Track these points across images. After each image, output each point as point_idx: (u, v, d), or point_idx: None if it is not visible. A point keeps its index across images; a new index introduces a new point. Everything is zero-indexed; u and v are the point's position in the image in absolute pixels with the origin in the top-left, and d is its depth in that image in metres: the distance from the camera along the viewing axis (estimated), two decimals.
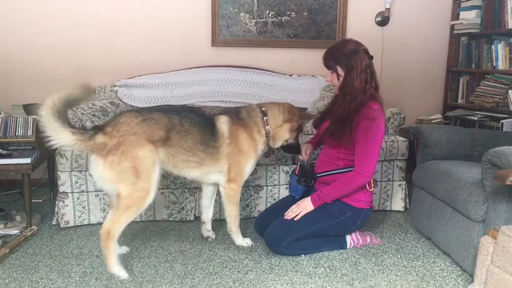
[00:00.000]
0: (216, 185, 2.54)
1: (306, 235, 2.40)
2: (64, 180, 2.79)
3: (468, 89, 3.94)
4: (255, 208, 3.04)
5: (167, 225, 2.91)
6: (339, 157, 2.42)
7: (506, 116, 3.40)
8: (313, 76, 3.77)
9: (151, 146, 2.17)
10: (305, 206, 2.41)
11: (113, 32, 3.63)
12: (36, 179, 3.54)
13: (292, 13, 3.80)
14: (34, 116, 2.99)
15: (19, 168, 2.70)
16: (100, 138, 2.08)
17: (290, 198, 2.60)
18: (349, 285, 2.16)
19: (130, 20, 3.64)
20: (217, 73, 3.63)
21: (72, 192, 2.82)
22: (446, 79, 4.19)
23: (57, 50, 3.58)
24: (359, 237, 2.56)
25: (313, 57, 3.64)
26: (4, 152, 2.77)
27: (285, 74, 3.77)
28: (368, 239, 2.59)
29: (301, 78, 3.75)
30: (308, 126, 3.27)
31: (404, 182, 3.17)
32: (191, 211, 2.96)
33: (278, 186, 3.04)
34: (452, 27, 4.04)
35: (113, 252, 2.14)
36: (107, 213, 2.59)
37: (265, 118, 2.46)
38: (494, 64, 3.60)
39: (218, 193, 2.55)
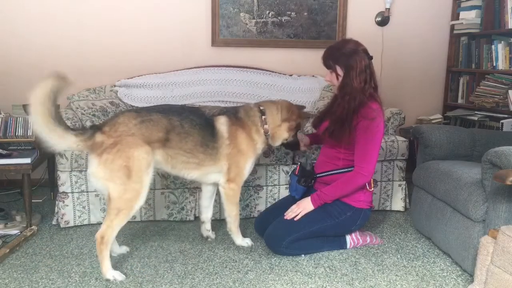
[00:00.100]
0: (216, 185, 2.54)
1: (306, 235, 2.40)
2: (64, 180, 2.79)
3: (468, 89, 3.94)
4: (255, 208, 3.04)
5: (167, 225, 2.90)
6: (339, 157, 2.42)
7: (506, 116, 3.40)
8: (313, 76, 3.77)
9: (148, 147, 2.17)
10: (305, 206, 2.41)
11: (113, 32, 3.63)
12: (36, 179, 3.54)
13: (292, 13, 3.80)
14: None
15: (19, 168, 2.70)
16: (98, 137, 2.10)
17: (290, 198, 2.60)
18: (349, 285, 2.16)
19: (130, 20, 3.64)
20: (217, 73, 3.63)
21: (72, 192, 2.82)
22: (446, 79, 4.19)
23: (57, 50, 3.58)
24: (359, 237, 2.56)
25: (313, 57, 3.63)
26: (4, 152, 2.77)
27: (285, 74, 3.76)
28: (368, 239, 2.59)
29: (301, 78, 3.74)
30: (308, 126, 3.27)
31: (404, 182, 3.17)
32: (191, 211, 2.96)
33: (278, 186, 3.04)
34: (452, 27, 4.04)
35: (107, 257, 2.15)
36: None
37: (263, 117, 2.45)
38: (494, 64, 3.60)
39: (218, 193, 2.55)
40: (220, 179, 2.44)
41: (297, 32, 3.84)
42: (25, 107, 3.19)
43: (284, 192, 3.01)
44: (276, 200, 2.98)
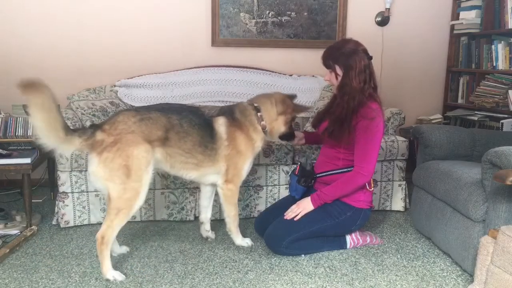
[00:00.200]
0: (215, 185, 2.54)
1: (306, 235, 2.40)
2: (64, 180, 2.79)
3: (468, 89, 3.94)
4: (255, 208, 3.04)
5: (167, 225, 2.90)
6: (339, 157, 2.42)
7: (506, 116, 3.40)
8: (313, 76, 3.76)
9: (148, 146, 2.17)
10: (305, 206, 2.41)
11: (113, 32, 3.63)
12: (36, 179, 3.54)
13: (292, 13, 3.80)
14: None
15: (19, 168, 2.70)
16: (98, 136, 2.10)
17: (290, 198, 2.60)
18: (349, 285, 2.16)
19: (130, 20, 3.64)
20: (217, 73, 3.63)
21: (72, 192, 2.82)
22: (446, 79, 4.19)
23: (57, 50, 3.58)
24: (359, 237, 2.56)
25: (313, 57, 3.63)
26: (4, 152, 2.77)
27: (285, 74, 3.76)
28: (368, 239, 2.59)
29: (301, 78, 3.74)
30: (308, 126, 3.27)
31: (404, 182, 3.17)
32: (191, 211, 2.96)
33: (278, 186, 3.04)
34: (452, 27, 4.04)
35: (107, 257, 2.15)
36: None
37: (259, 114, 2.44)
38: (494, 64, 3.60)
39: (217, 194, 2.54)
40: (218, 180, 2.44)
41: (297, 32, 3.84)
42: (25, 107, 3.19)
43: (284, 192, 3.01)
44: (276, 200, 2.98)
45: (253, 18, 3.77)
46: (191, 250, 2.52)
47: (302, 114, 3.61)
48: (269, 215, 2.60)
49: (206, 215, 2.67)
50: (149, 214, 2.93)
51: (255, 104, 2.47)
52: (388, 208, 3.18)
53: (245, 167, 2.44)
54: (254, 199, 3.03)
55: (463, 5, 3.90)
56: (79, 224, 2.86)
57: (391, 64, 4.02)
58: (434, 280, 2.21)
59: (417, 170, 2.77)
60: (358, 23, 3.90)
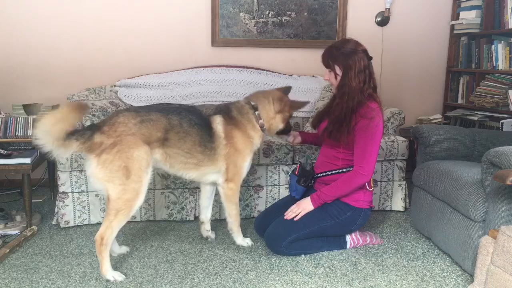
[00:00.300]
0: (215, 184, 2.54)
1: (306, 235, 2.40)
2: (64, 180, 2.79)
3: (468, 89, 3.94)
4: (255, 208, 3.04)
5: (167, 225, 2.91)
6: (338, 157, 2.42)
7: (506, 116, 3.41)
8: (313, 76, 3.77)
9: (147, 147, 2.16)
10: (305, 206, 2.41)
11: (113, 32, 3.63)
12: (36, 179, 3.55)
13: (292, 13, 3.80)
14: (34, 116, 2.99)
15: (19, 168, 2.70)
16: (97, 138, 2.09)
17: (290, 198, 2.60)
18: (349, 285, 2.16)
19: (130, 20, 3.64)
20: (217, 73, 3.63)
21: (72, 192, 2.82)
22: (446, 79, 4.19)
23: (57, 50, 3.58)
24: (359, 237, 2.56)
25: (313, 57, 3.64)
26: (4, 152, 2.77)
27: (285, 74, 3.77)
28: (368, 239, 2.59)
29: (301, 78, 3.75)
30: (308, 126, 3.27)
31: (404, 182, 3.17)
32: (191, 211, 2.96)
33: (278, 186, 3.04)
34: (452, 27, 4.04)
35: (107, 258, 2.15)
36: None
37: (256, 112, 2.44)
38: (494, 64, 3.60)
39: (218, 193, 2.54)
40: (218, 179, 2.44)
41: (297, 32, 3.84)
42: (25, 107, 3.19)
43: (284, 192, 3.01)
44: (276, 200, 2.98)
45: (253, 18, 3.77)
46: (191, 250, 2.52)
47: (302, 114, 3.64)
48: (269, 215, 2.60)
49: (206, 215, 2.67)
50: (149, 214, 2.93)
51: (252, 103, 2.47)
52: (388, 208, 3.18)
53: (245, 165, 2.44)
54: (254, 199, 3.03)
55: (463, 5, 3.90)
56: (79, 224, 2.86)
57: (391, 64, 4.02)
58: (434, 280, 2.21)
59: (417, 170, 2.77)
60: (358, 23, 3.90)
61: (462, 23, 3.86)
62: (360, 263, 2.38)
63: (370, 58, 2.35)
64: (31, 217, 2.78)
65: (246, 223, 2.87)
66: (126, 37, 3.65)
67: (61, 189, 2.80)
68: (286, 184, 3.01)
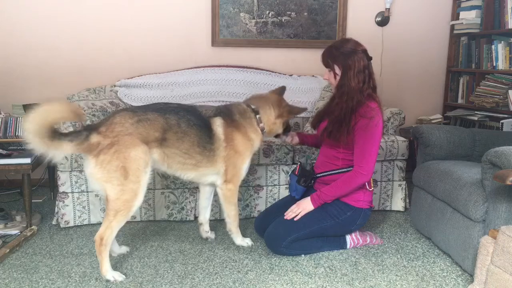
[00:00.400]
0: (213, 185, 2.54)
1: (306, 235, 2.40)
2: (64, 180, 2.79)
3: (468, 89, 3.94)
4: (255, 208, 3.04)
5: (167, 225, 2.91)
6: (338, 157, 2.42)
7: (506, 116, 3.41)
8: (313, 76, 3.77)
9: (145, 147, 2.16)
10: (305, 206, 2.41)
11: (113, 32, 3.63)
12: (36, 179, 3.55)
13: (292, 13, 3.80)
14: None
15: (19, 168, 2.70)
16: (94, 138, 2.08)
17: (290, 198, 2.60)
18: (349, 285, 2.16)
19: (130, 20, 3.64)
20: (217, 73, 3.63)
21: (72, 192, 2.82)
22: (446, 79, 4.19)
23: (57, 50, 3.58)
24: (359, 237, 2.56)
25: (313, 57, 3.64)
26: (4, 152, 2.77)
27: (285, 74, 3.76)
28: (368, 239, 2.59)
29: (301, 78, 3.75)
30: (307, 126, 3.27)
31: (404, 182, 3.17)
32: (191, 211, 2.96)
33: (278, 186, 3.04)
34: (452, 27, 4.04)
35: (107, 258, 2.15)
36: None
37: (257, 116, 2.45)
38: (494, 64, 3.60)
39: (217, 194, 2.54)
40: (217, 180, 2.44)
41: (297, 32, 3.84)
42: (25, 107, 3.19)
43: (284, 192, 3.01)
44: (276, 200, 2.98)
45: (253, 18, 3.77)
46: (191, 250, 2.52)
47: (302, 114, 3.62)
48: (269, 215, 2.60)
49: (205, 216, 2.67)
50: (149, 214, 2.93)
51: (253, 106, 2.48)
52: (388, 208, 3.18)
53: (244, 166, 2.44)
54: (254, 199, 3.03)
55: (463, 5, 3.90)
56: (79, 224, 2.86)
57: (391, 64, 4.02)
58: (434, 280, 2.21)
59: (417, 170, 2.77)
60: (358, 23, 3.90)
61: (462, 23, 3.86)
62: (360, 263, 2.38)
63: (369, 58, 2.35)
64: (31, 217, 2.78)
65: (246, 223, 2.87)
66: (126, 37, 3.65)
67: (61, 189, 2.80)
68: (286, 184, 3.01)
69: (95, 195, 2.84)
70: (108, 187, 2.10)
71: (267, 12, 3.77)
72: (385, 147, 3.03)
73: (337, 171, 2.43)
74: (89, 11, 3.57)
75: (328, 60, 2.36)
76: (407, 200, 3.19)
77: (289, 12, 3.80)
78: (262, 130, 2.47)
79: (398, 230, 2.84)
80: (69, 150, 2.04)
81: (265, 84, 3.63)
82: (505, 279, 1.74)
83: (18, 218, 2.87)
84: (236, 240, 2.57)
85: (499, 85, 3.53)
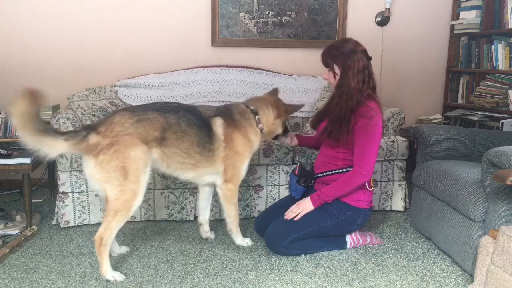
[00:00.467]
0: (212, 185, 2.54)
1: (306, 235, 2.40)
2: (64, 180, 2.79)
3: (468, 89, 3.94)
4: (255, 208, 3.04)
5: (167, 225, 2.91)
6: (338, 157, 2.42)
7: (506, 116, 3.40)
8: (313, 76, 3.77)
9: (145, 147, 2.15)
10: (305, 206, 2.41)
11: (113, 32, 3.63)
12: (36, 179, 3.55)
13: (292, 13, 3.80)
14: None
15: (19, 168, 2.70)
16: (93, 139, 2.07)
17: (290, 198, 2.60)
18: (349, 285, 2.16)
19: (130, 20, 3.64)
20: (217, 73, 3.63)
21: (72, 192, 2.82)
22: (446, 79, 4.19)
23: (57, 50, 3.58)
24: (359, 237, 2.56)
25: (313, 57, 3.63)
26: (4, 152, 2.77)
27: (285, 74, 3.76)
28: (368, 239, 2.59)
29: (301, 78, 3.75)
30: (307, 126, 3.27)
31: (404, 182, 3.17)
32: (191, 211, 2.96)
33: (278, 186, 3.04)
34: (452, 27, 4.04)
35: (106, 258, 2.15)
36: None
37: (256, 117, 2.46)
38: (494, 64, 3.60)
39: (217, 194, 2.54)
40: (216, 180, 2.44)
41: (297, 32, 3.84)
42: None
43: (284, 192, 3.01)
44: (276, 200, 2.98)
45: (253, 18, 3.77)
46: (191, 250, 2.52)
47: (302, 114, 3.64)
48: (269, 215, 2.60)
49: (204, 216, 2.67)
50: (149, 214, 2.93)
51: (252, 107, 2.49)
52: (388, 208, 3.18)
53: (244, 166, 2.45)
54: (254, 199, 3.03)
55: (463, 5, 3.90)
56: (79, 224, 2.86)
57: (391, 64, 4.02)
58: (434, 280, 2.21)
59: (417, 170, 2.77)
60: (358, 23, 3.90)
61: (462, 23, 3.86)
62: (360, 263, 2.38)
63: (369, 58, 2.35)
64: (31, 217, 2.78)
65: (246, 223, 2.87)
66: (126, 37, 3.65)
67: (61, 189, 2.80)
68: (286, 184, 3.01)
69: (95, 195, 2.84)
70: (108, 187, 2.10)
71: (267, 12, 3.77)
72: (385, 147, 3.03)
73: (337, 171, 2.43)
74: (89, 11, 3.57)
75: (327, 60, 2.37)
76: (407, 200, 3.19)
77: (289, 12, 3.80)
78: (261, 130, 2.47)
79: (398, 230, 2.84)
80: (64, 149, 2.02)
81: (265, 84, 3.63)
82: (505, 279, 1.74)
83: (18, 218, 2.87)
84: (236, 240, 2.57)
85: (499, 85, 3.53)
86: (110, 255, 2.22)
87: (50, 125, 2.00)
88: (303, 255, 2.44)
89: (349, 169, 2.37)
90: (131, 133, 2.13)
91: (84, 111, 3.10)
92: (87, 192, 2.84)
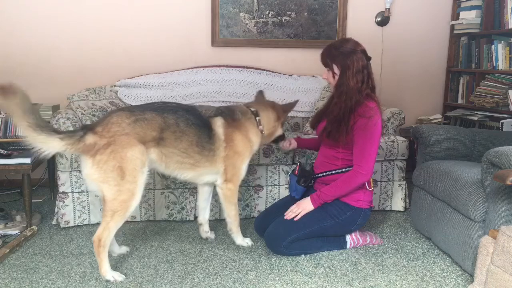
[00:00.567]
0: (212, 185, 2.54)
1: (306, 235, 2.40)
2: (64, 180, 2.79)
3: (468, 89, 3.94)
4: (255, 208, 3.04)
5: (167, 225, 2.91)
6: (338, 157, 2.42)
7: (506, 116, 3.40)
8: (313, 76, 3.77)
9: (142, 147, 2.15)
10: (305, 206, 2.41)
11: (113, 32, 3.63)
12: (36, 179, 3.55)
13: (292, 13, 3.80)
14: None
15: (19, 168, 2.70)
16: (90, 139, 2.06)
17: (290, 198, 2.60)
18: (349, 285, 2.16)
19: (130, 20, 3.64)
20: (217, 73, 3.63)
21: (72, 192, 2.82)
22: (446, 79, 4.19)
23: (57, 50, 3.58)
24: (359, 237, 2.56)
25: (313, 57, 3.62)
26: (4, 152, 2.77)
27: (285, 74, 3.76)
28: (368, 239, 2.59)
29: (301, 78, 3.75)
30: (307, 126, 3.27)
31: (404, 182, 3.17)
32: (191, 211, 2.96)
33: (278, 186, 3.04)
34: (452, 27, 4.04)
35: (106, 259, 2.14)
36: None
37: (257, 118, 2.47)
38: (494, 64, 3.60)
39: (217, 194, 2.54)
40: (217, 180, 2.44)
41: (297, 32, 3.84)
42: None
43: (284, 192, 3.01)
44: (276, 200, 2.98)
45: (253, 18, 3.77)
46: (191, 250, 2.52)
47: (302, 114, 3.64)
48: (269, 215, 2.60)
49: (204, 216, 2.67)
50: (149, 214, 2.93)
51: (252, 109, 2.50)
52: (388, 208, 3.18)
53: (244, 166, 2.45)
54: (254, 199, 3.03)
55: (463, 5, 3.90)
56: (79, 224, 2.86)
57: (391, 64, 4.02)
58: (434, 280, 2.21)
59: (417, 170, 2.77)
60: (358, 23, 3.90)
61: (462, 23, 3.86)
62: (360, 263, 2.38)
63: (369, 59, 2.35)
64: (31, 217, 2.78)
65: (246, 223, 2.87)
66: (126, 37, 3.65)
67: (61, 189, 2.80)
68: (286, 184, 3.01)
69: (95, 195, 2.84)
70: (105, 187, 2.09)
71: (267, 12, 3.77)
72: (385, 147, 3.03)
73: (336, 171, 2.43)
74: (89, 11, 3.57)
75: (327, 60, 2.37)
76: (407, 200, 3.19)
77: (289, 12, 3.80)
78: (261, 132, 2.48)
79: (398, 230, 2.84)
80: (60, 148, 2.02)
81: (265, 84, 3.63)
82: (505, 279, 1.74)
83: (18, 218, 2.87)
84: (236, 240, 2.57)
85: (499, 85, 3.53)
86: (110, 255, 2.22)
87: (50, 123, 2.00)
88: (303, 255, 2.44)
89: (348, 169, 2.37)
90: (128, 133, 2.12)
91: (84, 111, 3.10)
92: (87, 192, 2.84)
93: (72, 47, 3.59)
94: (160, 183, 2.90)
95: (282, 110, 2.59)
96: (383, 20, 3.93)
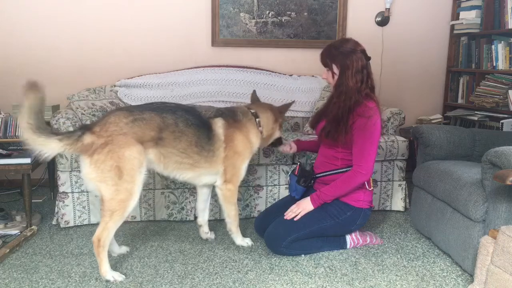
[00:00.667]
0: (210, 186, 2.54)
1: (306, 235, 2.40)
2: (64, 180, 2.79)
3: (468, 89, 3.94)
4: (255, 208, 3.04)
5: (167, 225, 2.91)
6: (337, 157, 2.42)
7: (506, 116, 3.40)
8: (313, 76, 3.77)
9: (140, 147, 2.14)
10: (305, 206, 2.41)
11: (113, 32, 3.63)
12: (36, 179, 3.55)
13: (292, 13, 3.80)
14: None
15: (19, 168, 2.70)
16: (87, 139, 2.07)
17: (290, 198, 2.60)
18: (349, 285, 2.16)
19: (130, 20, 3.64)
20: (217, 73, 3.63)
21: (72, 192, 2.82)
22: (446, 79, 4.19)
23: (57, 50, 3.58)
24: (359, 237, 2.56)
25: (313, 57, 3.62)
26: (4, 152, 2.77)
27: (285, 74, 3.76)
28: (368, 239, 2.59)
29: (301, 78, 3.75)
30: (307, 126, 3.26)
31: (404, 182, 3.17)
32: (191, 211, 2.96)
33: (278, 186, 3.04)
34: (452, 27, 4.04)
35: (105, 259, 2.14)
36: None
37: (257, 119, 2.48)
38: (494, 64, 3.60)
39: (216, 194, 2.54)
40: (216, 181, 2.44)
41: (297, 32, 3.84)
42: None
43: (284, 192, 3.01)
44: (276, 200, 2.98)
45: (253, 18, 3.77)
46: (191, 250, 2.52)
47: (302, 114, 3.64)
48: (269, 215, 2.60)
49: (203, 218, 2.67)
50: (149, 214, 2.93)
51: (252, 110, 2.51)
52: (388, 208, 3.18)
53: (243, 167, 2.45)
54: (254, 199, 3.03)
55: (463, 5, 3.90)
56: (79, 224, 2.86)
57: (391, 64, 4.02)
58: (434, 280, 2.21)
59: (417, 170, 2.77)
60: (358, 23, 3.90)
61: (462, 23, 3.86)
62: (360, 263, 2.38)
63: (368, 59, 2.35)
64: (31, 217, 2.78)
65: (246, 223, 2.87)
66: (126, 37, 3.65)
67: (61, 189, 2.80)
68: (286, 184, 3.01)
69: (95, 195, 2.83)
70: (103, 187, 2.09)
71: (267, 12, 3.77)
72: (385, 147, 3.03)
73: (336, 171, 2.43)
74: (89, 11, 3.57)
75: (326, 60, 2.37)
76: (407, 200, 3.19)
77: (289, 12, 3.80)
78: (261, 133, 2.49)
79: (398, 230, 2.84)
80: (60, 149, 2.02)
81: (265, 84, 3.63)
82: (505, 279, 1.74)
83: (18, 218, 2.87)
84: (236, 240, 2.57)
85: (499, 85, 3.53)
86: (110, 255, 2.22)
87: (50, 126, 2.01)
88: (303, 255, 2.44)
89: (348, 169, 2.37)
90: (126, 132, 2.12)
91: (84, 111, 3.10)
92: (87, 192, 2.84)
93: (72, 47, 3.59)
94: (160, 183, 2.90)
95: (279, 111, 2.60)
96: (383, 20, 3.93)
